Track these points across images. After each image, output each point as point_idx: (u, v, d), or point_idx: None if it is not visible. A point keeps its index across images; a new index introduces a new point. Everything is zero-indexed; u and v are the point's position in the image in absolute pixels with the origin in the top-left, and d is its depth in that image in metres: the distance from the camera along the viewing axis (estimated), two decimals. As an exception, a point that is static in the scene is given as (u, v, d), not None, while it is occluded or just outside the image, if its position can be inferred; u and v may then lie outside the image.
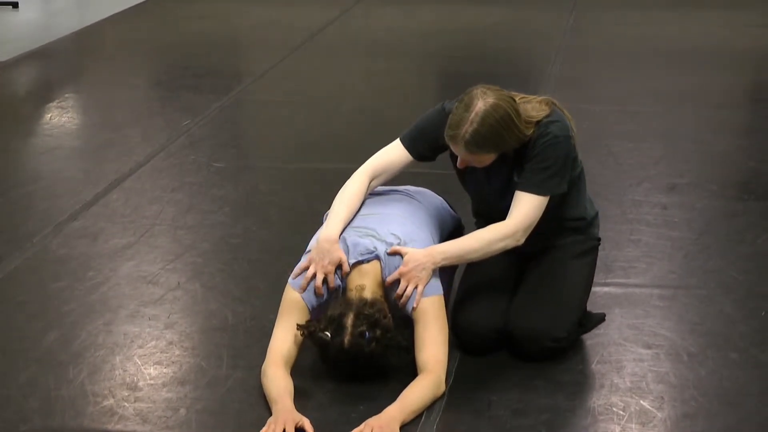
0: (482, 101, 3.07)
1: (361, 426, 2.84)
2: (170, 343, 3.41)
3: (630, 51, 7.26)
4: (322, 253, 3.15)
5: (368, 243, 3.16)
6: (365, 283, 3.10)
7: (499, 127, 3.06)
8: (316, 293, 3.13)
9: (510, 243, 3.17)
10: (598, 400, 3.05)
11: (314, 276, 3.13)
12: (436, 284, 3.13)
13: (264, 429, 2.83)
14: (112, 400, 3.07)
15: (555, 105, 3.22)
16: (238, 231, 4.33)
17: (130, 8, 9.04)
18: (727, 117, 5.79)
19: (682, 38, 7.62)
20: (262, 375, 3.06)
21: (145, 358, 3.31)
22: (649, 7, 8.64)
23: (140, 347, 3.38)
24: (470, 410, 3.01)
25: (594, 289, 3.46)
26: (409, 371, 3.05)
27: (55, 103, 6.27)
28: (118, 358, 3.31)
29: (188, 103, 6.17)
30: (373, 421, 2.84)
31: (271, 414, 2.90)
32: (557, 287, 3.27)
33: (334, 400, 3.04)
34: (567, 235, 3.36)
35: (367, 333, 2.94)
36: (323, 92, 6.43)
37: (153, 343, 3.41)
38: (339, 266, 3.14)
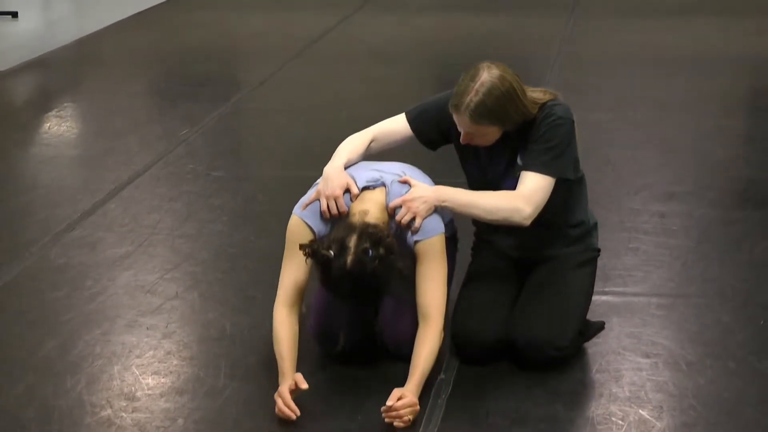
0: (488, 73, 3.08)
1: (394, 394, 2.91)
2: (168, 352, 3.40)
3: (628, 58, 7.25)
4: (328, 181, 3.15)
5: (374, 173, 3.19)
6: (369, 208, 3.08)
7: (504, 99, 3.07)
8: (323, 217, 3.11)
9: (516, 218, 3.12)
10: (596, 409, 3.04)
11: (327, 211, 3.12)
12: (438, 223, 3.11)
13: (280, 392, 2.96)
14: (109, 411, 3.06)
15: (558, 97, 3.24)
16: (237, 240, 4.32)
17: (129, 17, 9.04)
18: (725, 125, 5.78)
19: (680, 46, 7.62)
20: (273, 316, 3.10)
21: (143, 368, 3.29)
22: (647, 15, 8.64)
23: (138, 357, 3.37)
24: (468, 419, 3.00)
25: (593, 297, 3.45)
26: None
27: (54, 112, 6.27)
28: (116, 368, 3.30)
29: (187, 111, 6.17)
30: (401, 392, 2.92)
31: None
32: (559, 296, 3.27)
33: (332, 412, 3.03)
34: (567, 245, 3.35)
35: (370, 251, 2.89)
36: (322, 100, 6.42)
37: (151, 353, 3.40)
38: (347, 191, 3.14)
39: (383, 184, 3.16)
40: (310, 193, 3.19)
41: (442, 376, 3.19)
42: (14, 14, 9.07)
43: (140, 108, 6.49)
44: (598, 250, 3.44)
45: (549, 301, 3.24)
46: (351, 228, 2.96)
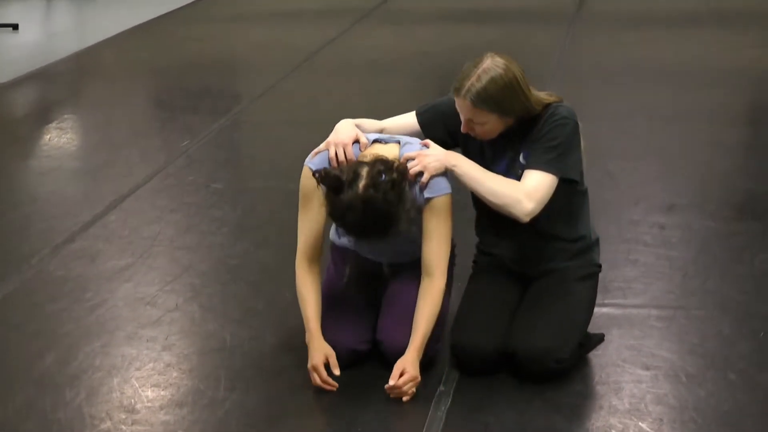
0: (491, 60, 3.13)
1: (397, 367, 3.06)
2: (168, 365, 3.39)
3: (627, 70, 7.26)
4: (338, 132, 3.23)
5: (388, 136, 3.27)
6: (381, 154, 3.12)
7: (505, 87, 3.10)
8: (331, 165, 3.16)
9: (516, 209, 3.14)
10: (596, 421, 3.03)
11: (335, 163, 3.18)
12: (447, 184, 3.16)
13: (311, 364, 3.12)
14: (109, 423, 3.05)
15: (563, 101, 3.26)
16: (237, 252, 4.32)
17: (129, 30, 9.06)
18: (724, 136, 5.78)
19: (679, 58, 7.63)
20: (296, 275, 3.25)
21: (143, 381, 3.29)
22: (647, 27, 8.66)
23: (138, 369, 3.36)
24: (468, 431, 2.98)
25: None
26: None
27: (54, 124, 6.27)
28: (115, 381, 3.29)
29: (187, 123, 6.18)
30: (403, 364, 3.07)
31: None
32: (560, 308, 3.26)
33: (330, 423, 3.02)
34: (568, 259, 3.34)
35: (383, 174, 2.94)
36: (322, 112, 6.41)
37: (151, 365, 3.39)
38: (356, 142, 3.20)
39: (397, 141, 3.22)
40: (321, 146, 3.26)
41: (441, 388, 3.18)
42: (15, 26, 9.09)
43: (140, 120, 6.50)
44: (600, 266, 3.43)
45: (549, 313, 3.24)
46: (363, 161, 3.03)
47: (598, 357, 3.37)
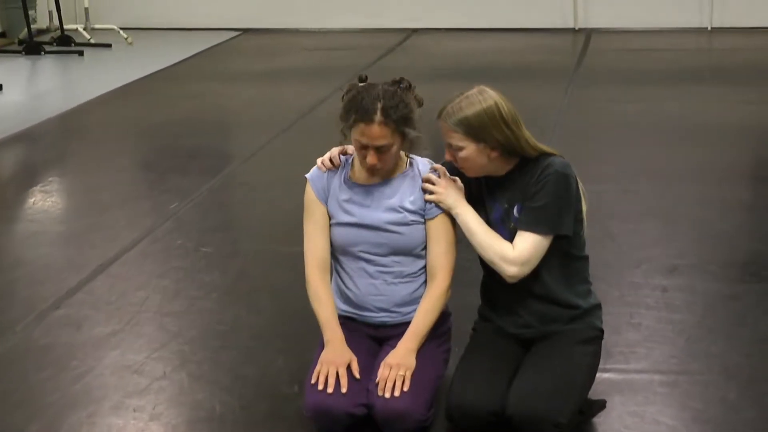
0: (477, 90, 3.29)
1: (381, 367, 3.19)
2: (156, 435, 3.40)
3: (626, 128, 7.32)
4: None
5: None
6: None
7: (483, 112, 3.24)
8: (334, 163, 3.43)
9: (503, 267, 3.28)
10: (599, 491, 3.04)
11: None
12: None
13: (317, 368, 3.20)
14: (95, 496, 3.05)
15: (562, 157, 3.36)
16: (227, 318, 4.33)
17: (116, 89, 9.13)
18: (727, 195, 5.82)
19: (680, 115, 7.70)
20: (306, 284, 3.39)
21: (130, 452, 3.30)
22: (647, 83, 8.74)
23: (125, 440, 3.37)
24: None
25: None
26: None
27: (38, 187, 6.31)
28: (101, 452, 3.30)
29: (176, 185, 6.21)
30: (390, 359, 3.21)
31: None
32: (559, 371, 3.27)
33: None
34: (567, 322, 3.37)
35: (401, 83, 3.30)
36: (314, 173, 6.46)
37: (138, 435, 3.40)
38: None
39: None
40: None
41: (437, 455, 3.19)
42: (-1, 86, 9.16)
43: (127, 182, 6.52)
44: (602, 331, 3.45)
45: (547, 376, 3.24)
46: None
47: (599, 424, 3.39)
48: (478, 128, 3.23)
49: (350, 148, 3.44)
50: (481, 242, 3.30)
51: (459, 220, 3.34)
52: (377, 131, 3.22)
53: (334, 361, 3.22)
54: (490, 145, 3.25)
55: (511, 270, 3.27)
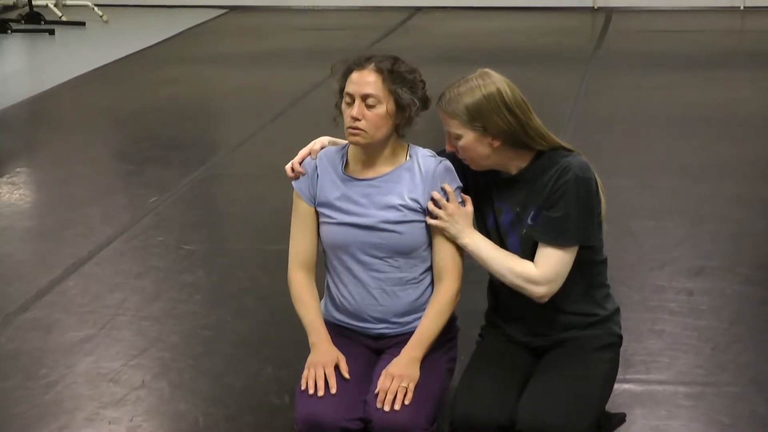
0: (479, 73, 3.27)
1: (382, 377, 3.16)
2: (133, 449, 3.42)
3: (648, 118, 7.33)
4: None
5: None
6: None
7: (483, 98, 3.21)
8: (296, 171, 3.41)
9: (530, 289, 3.24)
10: None
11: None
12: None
13: (304, 373, 3.18)
14: None
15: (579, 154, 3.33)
16: (211, 322, 4.34)
17: (90, 72, 9.13)
18: (758, 192, 5.81)
19: (705, 103, 7.68)
20: (289, 285, 3.37)
21: (105, 467, 3.31)
22: (670, 69, 8.73)
23: (99, 455, 3.38)
24: None
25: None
26: None
27: (5, 179, 6.31)
28: (74, 468, 3.31)
29: (155, 178, 6.21)
30: (393, 369, 3.18)
31: None
32: (573, 382, 3.26)
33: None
34: (584, 328, 3.37)
35: (399, 61, 3.29)
36: (307, 165, 6.47)
37: (114, 449, 3.42)
38: None
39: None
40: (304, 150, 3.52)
41: (440, 474, 3.20)
42: (-38, 69, 9.16)
43: (102, 174, 6.52)
44: (621, 337, 3.45)
45: (561, 387, 3.24)
46: None
47: (618, 440, 3.40)
48: (477, 114, 3.21)
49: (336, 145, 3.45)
50: (498, 269, 3.27)
51: (468, 250, 3.30)
52: (367, 76, 3.23)
53: (320, 361, 3.22)
54: (492, 134, 3.24)
55: (539, 290, 3.23)
